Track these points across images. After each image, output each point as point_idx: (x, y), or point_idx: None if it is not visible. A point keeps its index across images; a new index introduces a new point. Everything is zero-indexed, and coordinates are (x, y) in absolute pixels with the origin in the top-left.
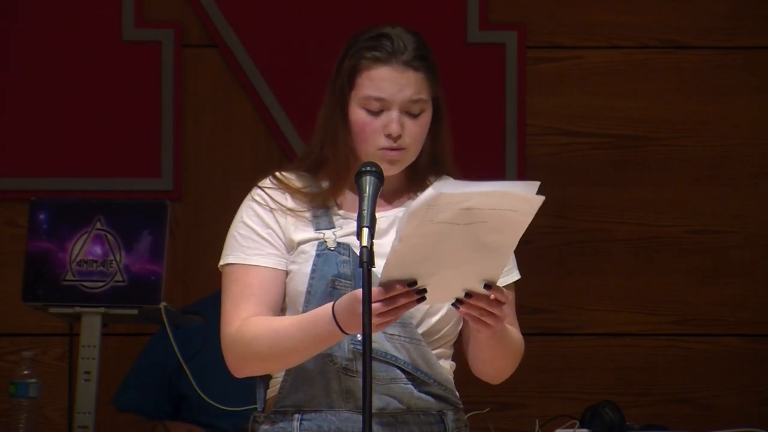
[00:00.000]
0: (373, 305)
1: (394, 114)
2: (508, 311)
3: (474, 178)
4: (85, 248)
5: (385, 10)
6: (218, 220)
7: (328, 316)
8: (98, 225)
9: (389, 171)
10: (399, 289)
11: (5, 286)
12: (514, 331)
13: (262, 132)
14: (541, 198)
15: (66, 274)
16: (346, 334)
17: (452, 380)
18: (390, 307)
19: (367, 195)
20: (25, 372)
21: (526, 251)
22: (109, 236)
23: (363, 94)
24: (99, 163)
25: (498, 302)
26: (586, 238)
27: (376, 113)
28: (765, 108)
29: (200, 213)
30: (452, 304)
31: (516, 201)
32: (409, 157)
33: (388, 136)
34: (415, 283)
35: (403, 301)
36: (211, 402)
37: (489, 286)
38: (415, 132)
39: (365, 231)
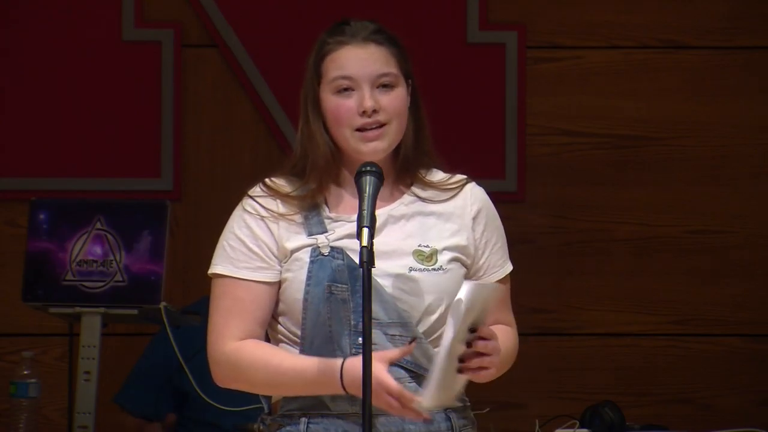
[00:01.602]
0: (390, 400)
1: (365, 91)
2: (497, 359)
3: (474, 178)
4: (85, 248)
5: (385, 10)
6: (218, 220)
7: (335, 377)
8: (98, 225)
9: (375, 153)
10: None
11: (5, 286)
12: (504, 339)
13: (262, 132)
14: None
15: (66, 274)
16: (348, 393)
17: None
18: None
19: (367, 195)
20: (25, 372)
21: (526, 251)
22: (109, 236)
23: (330, 78)
24: (99, 163)
25: (484, 353)
26: (586, 238)
27: (347, 96)
28: (765, 108)
29: (200, 213)
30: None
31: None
32: (392, 134)
33: (363, 113)
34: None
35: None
36: (211, 402)
37: (474, 329)
38: (391, 105)
39: (365, 231)
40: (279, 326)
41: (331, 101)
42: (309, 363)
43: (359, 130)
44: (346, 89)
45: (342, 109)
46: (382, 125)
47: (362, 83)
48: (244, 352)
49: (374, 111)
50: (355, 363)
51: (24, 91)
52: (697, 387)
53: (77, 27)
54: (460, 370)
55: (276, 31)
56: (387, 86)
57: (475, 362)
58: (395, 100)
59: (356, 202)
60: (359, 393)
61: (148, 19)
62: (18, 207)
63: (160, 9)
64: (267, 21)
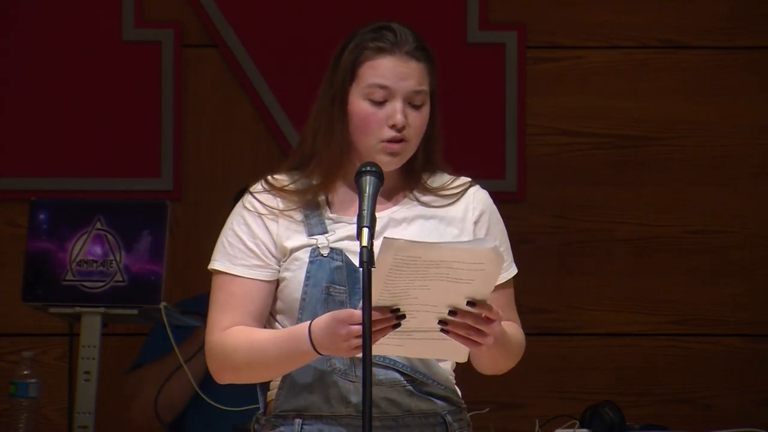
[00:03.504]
0: (352, 327)
1: (398, 104)
2: (499, 327)
3: (474, 178)
4: (85, 248)
5: (385, 10)
6: (218, 220)
7: (304, 335)
8: (98, 225)
9: (390, 165)
10: (379, 314)
11: (5, 286)
12: (513, 330)
13: (262, 132)
14: (501, 255)
15: (66, 274)
16: (321, 354)
17: (452, 379)
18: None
19: (367, 195)
20: (25, 372)
21: (526, 251)
22: (109, 236)
23: (366, 83)
24: (99, 163)
25: (487, 319)
26: (586, 238)
27: (379, 104)
28: (765, 108)
29: (200, 213)
30: (441, 329)
31: (481, 256)
32: (410, 151)
33: (392, 126)
34: (398, 309)
35: (381, 325)
36: (211, 402)
37: (473, 303)
38: (417, 124)
39: (365, 231)
40: (276, 324)
41: (361, 106)
42: (282, 330)
43: (382, 140)
44: (380, 100)
45: (372, 118)
46: (403, 140)
47: (397, 96)
48: (229, 337)
49: (403, 126)
50: (323, 317)
51: (24, 91)
52: (697, 387)
53: (77, 27)
54: (443, 324)
55: (276, 31)
56: (417, 104)
57: (468, 322)
58: (421, 120)
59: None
60: (327, 348)
61: (148, 19)
62: (18, 207)
63: (160, 9)
64: (267, 21)
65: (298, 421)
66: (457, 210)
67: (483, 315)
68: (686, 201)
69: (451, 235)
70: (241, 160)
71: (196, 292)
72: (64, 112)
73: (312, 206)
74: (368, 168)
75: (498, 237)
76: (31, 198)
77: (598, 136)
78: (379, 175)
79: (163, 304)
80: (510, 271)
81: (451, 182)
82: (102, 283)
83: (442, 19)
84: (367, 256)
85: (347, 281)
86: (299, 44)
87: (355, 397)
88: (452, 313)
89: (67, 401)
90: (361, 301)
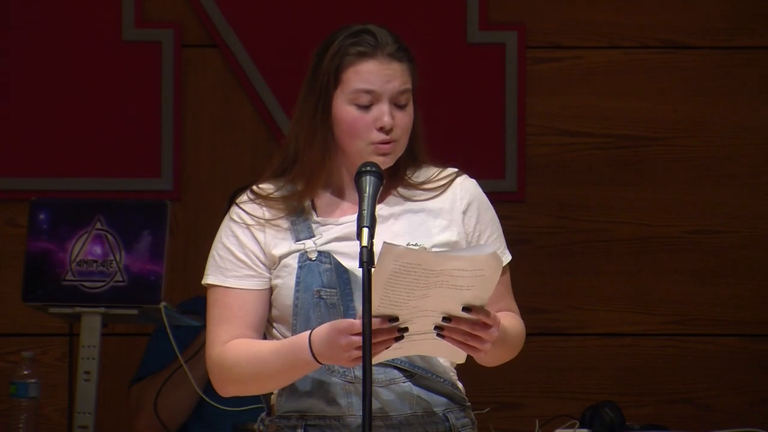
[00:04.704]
0: (352, 338)
1: (385, 107)
2: (497, 333)
3: (474, 178)
4: (85, 248)
5: (385, 10)
6: (218, 220)
7: (305, 345)
8: (98, 225)
9: (383, 165)
10: (380, 323)
11: (5, 286)
12: (512, 321)
13: (262, 132)
14: (500, 259)
15: (66, 274)
16: (321, 364)
17: (453, 374)
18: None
19: (367, 195)
20: (25, 372)
21: (526, 251)
22: (109, 236)
23: (352, 89)
24: (99, 163)
25: (484, 325)
26: (586, 238)
27: (365, 108)
28: (765, 108)
29: (200, 213)
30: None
31: (481, 263)
32: (399, 150)
33: (381, 129)
34: (396, 319)
35: (383, 337)
36: (211, 402)
37: (468, 308)
38: (404, 123)
39: (365, 231)
40: (274, 331)
41: (348, 112)
42: (283, 341)
43: (372, 143)
44: (366, 104)
45: (360, 122)
46: (392, 141)
47: (383, 99)
48: (230, 351)
49: (391, 128)
50: (323, 326)
51: (24, 92)
52: (697, 387)
53: (77, 27)
54: (439, 330)
55: (276, 31)
56: (402, 103)
57: (464, 328)
58: (407, 118)
59: (345, 206)
60: (327, 358)
61: (148, 19)
62: (18, 207)
63: (160, 9)
64: (267, 21)
65: (301, 422)
66: (444, 201)
67: (480, 321)
68: (686, 201)
69: (440, 227)
70: (241, 160)
71: (196, 292)
72: (64, 112)
73: (298, 212)
74: (368, 168)
75: (489, 225)
76: (31, 198)
77: (598, 136)
78: (379, 175)
79: (163, 304)
80: (504, 257)
81: (437, 174)
82: (102, 283)
83: (442, 19)
84: (367, 256)
85: (338, 283)
86: (299, 44)
87: (356, 398)
88: (447, 318)
89: (67, 401)
90: (358, 309)
